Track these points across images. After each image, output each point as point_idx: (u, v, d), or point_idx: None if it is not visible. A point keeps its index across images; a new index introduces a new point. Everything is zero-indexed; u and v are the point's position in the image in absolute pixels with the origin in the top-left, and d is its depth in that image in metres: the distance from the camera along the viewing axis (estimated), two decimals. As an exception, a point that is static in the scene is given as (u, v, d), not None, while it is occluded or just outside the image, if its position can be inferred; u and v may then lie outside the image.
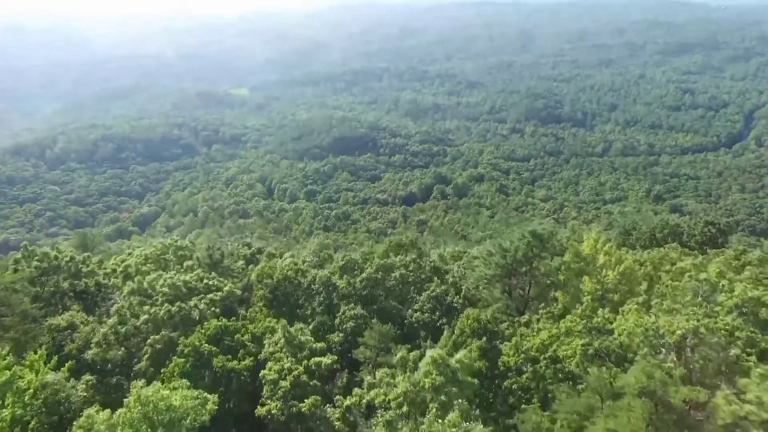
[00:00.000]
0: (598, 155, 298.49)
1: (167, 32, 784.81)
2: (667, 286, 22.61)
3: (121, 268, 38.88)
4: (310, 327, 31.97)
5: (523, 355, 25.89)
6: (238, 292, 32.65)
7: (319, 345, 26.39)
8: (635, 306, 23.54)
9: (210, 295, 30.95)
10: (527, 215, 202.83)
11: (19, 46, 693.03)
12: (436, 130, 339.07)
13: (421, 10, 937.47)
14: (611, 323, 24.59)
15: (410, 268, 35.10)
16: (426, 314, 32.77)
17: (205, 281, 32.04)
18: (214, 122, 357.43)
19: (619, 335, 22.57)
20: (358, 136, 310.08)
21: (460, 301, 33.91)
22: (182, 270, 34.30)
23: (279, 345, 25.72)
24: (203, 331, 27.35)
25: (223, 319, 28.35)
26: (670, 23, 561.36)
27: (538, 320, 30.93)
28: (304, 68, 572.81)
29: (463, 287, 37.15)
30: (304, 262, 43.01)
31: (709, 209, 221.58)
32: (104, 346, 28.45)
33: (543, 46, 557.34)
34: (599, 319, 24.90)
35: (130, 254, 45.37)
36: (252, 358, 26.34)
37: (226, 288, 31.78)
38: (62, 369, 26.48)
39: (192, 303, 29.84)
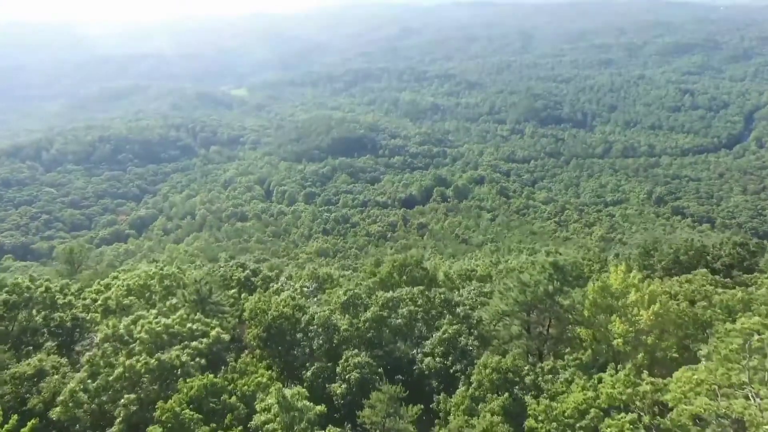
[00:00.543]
0: (598, 156, 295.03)
1: (167, 32, 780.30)
2: (730, 350, 18.94)
3: (100, 301, 34.88)
4: (309, 373, 28.19)
5: (554, 423, 22.26)
6: (226, 337, 28.79)
7: (319, 409, 22.65)
8: (693, 376, 19.71)
9: (194, 343, 27.03)
10: (528, 218, 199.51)
11: (19, 45, 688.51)
12: (435, 131, 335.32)
13: (420, 11, 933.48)
14: (661, 390, 20.87)
15: (418, 303, 31.46)
16: (438, 359, 29.07)
17: (189, 326, 28.14)
18: (212, 123, 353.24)
19: (679, 415, 18.85)
20: (357, 137, 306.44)
21: (476, 343, 30.18)
22: (165, 309, 30.39)
23: (273, 412, 22.06)
24: (185, 390, 23.54)
25: (209, 375, 24.50)
26: (670, 23, 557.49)
27: (564, 367, 27.31)
28: (303, 68, 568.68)
29: (476, 320, 33.53)
30: (301, 289, 39.12)
31: (711, 211, 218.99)
32: (71, 404, 24.71)
33: (542, 46, 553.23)
34: (646, 387, 21.17)
35: (116, 277, 41.51)
36: (241, 427, 22.55)
37: (213, 333, 27.87)
38: (23, 430, 22.73)
39: (174, 354, 25.95)
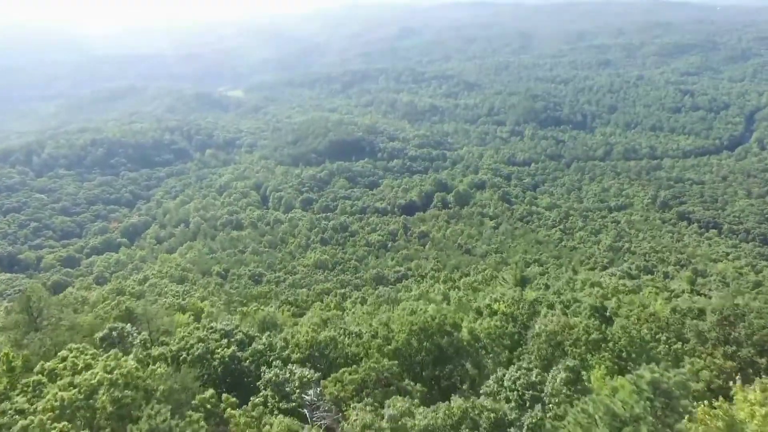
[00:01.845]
0: (599, 159, 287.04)
1: (165, 33, 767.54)
2: None
3: (18, 429, 24.35)
4: None
5: None
6: None
7: None
8: None
9: None
10: (533, 225, 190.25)
11: (16, 46, 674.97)
12: (434, 133, 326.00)
13: (419, 11, 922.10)
14: None
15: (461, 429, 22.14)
16: None
17: None
18: (208, 126, 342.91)
19: None
20: (354, 139, 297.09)
21: None
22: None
23: None
24: None
25: None
26: (668, 24, 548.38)
27: None
28: (300, 69, 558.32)
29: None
30: (302, 402, 28.76)
31: (717, 216, 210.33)
32: None
33: (541, 46, 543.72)
34: None
35: (64, 359, 31.46)
36: None
37: None
38: None
39: None
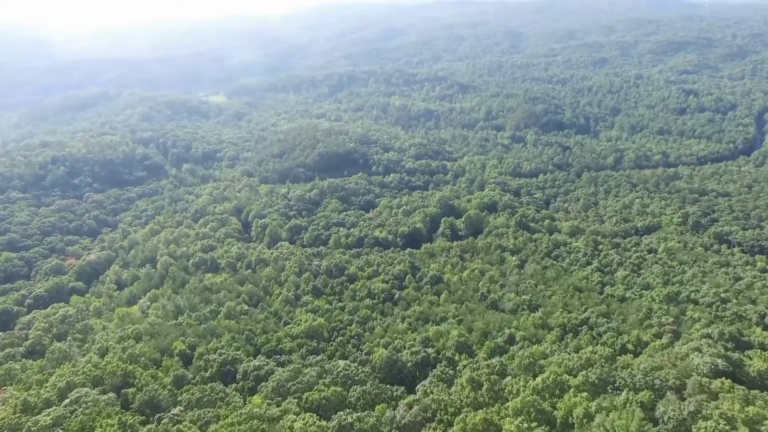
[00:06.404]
0: (610, 167, 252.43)
1: (141, 35, 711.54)
2: None
3: None
4: None
5: None
6: None
7: None
8: None
9: None
10: (564, 264, 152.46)
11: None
12: (431, 141, 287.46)
13: (402, 10, 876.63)
14: None
15: None
16: None
17: None
18: (185, 137, 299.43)
19: None
20: (346, 151, 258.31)
21: None
22: None
23: None
24: None
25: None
26: (659, 21, 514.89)
27: None
28: (283, 72, 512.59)
29: None
30: None
31: (759, 237, 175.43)
32: None
33: (532, 45, 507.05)
34: None
35: None
36: None
37: None
38: None
39: None
